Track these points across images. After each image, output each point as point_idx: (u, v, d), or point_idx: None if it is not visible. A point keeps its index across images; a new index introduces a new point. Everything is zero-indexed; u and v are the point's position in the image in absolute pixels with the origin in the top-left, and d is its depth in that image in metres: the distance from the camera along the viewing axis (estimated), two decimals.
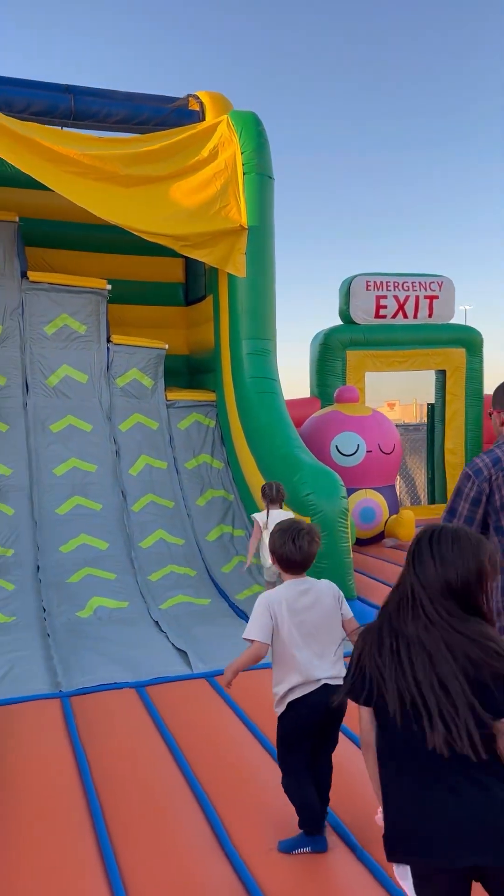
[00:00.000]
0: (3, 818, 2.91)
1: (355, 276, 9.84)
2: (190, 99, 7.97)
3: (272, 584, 5.38)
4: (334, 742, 2.76)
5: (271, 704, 2.74)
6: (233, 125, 7.34)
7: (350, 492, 7.36)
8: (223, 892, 2.45)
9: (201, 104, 7.85)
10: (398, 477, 10.44)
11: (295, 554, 2.68)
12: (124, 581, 6.24)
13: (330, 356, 9.68)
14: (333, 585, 2.79)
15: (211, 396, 8.20)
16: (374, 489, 8.40)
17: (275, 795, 2.85)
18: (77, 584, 6.08)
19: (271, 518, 5.35)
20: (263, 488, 5.70)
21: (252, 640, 2.62)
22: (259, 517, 5.56)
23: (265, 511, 5.55)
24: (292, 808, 2.71)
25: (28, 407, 7.44)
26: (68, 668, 4.54)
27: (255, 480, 7.09)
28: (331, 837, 2.71)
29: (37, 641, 5.06)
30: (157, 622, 5.55)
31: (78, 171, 6.83)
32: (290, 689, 2.62)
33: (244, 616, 5.76)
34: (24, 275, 7.53)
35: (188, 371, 9.16)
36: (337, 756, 2.78)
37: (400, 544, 8.27)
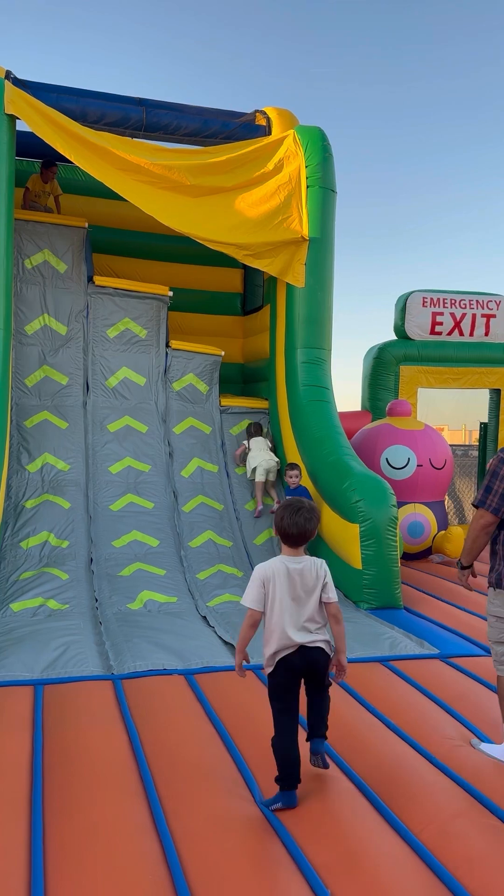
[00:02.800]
0: (63, 786, 3.03)
1: (412, 293, 9.89)
2: (257, 114, 8.20)
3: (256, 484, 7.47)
4: (323, 685, 3.09)
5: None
6: (299, 140, 7.52)
7: (399, 505, 7.36)
8: (268, 861, 2.52)
9: (268, 119, 8.07)
10: (447, 496, 10.36)
11: (292, 528, 2.96)
12: (174, 577, 6.37)
13: (383, 370, 9.72)
14: (324, 564, 3.07)
15: (264, 404, 8.32)
16: (424, 504, 8.37)
17: (310, 772, 3.09)
18: (128, 578, 6.23)
19: (252, 443, 7.62)
20: (247, 427, 7.85)
21: (248, 607, 2.99)
22: (245, 442, 7.72)
23: (248, 440, 7.70)
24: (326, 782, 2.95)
25: (87, 406, 7.68)
26: (120, 654, 4.66)
27: (306, 484, 7.17)
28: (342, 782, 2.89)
29: (89, 628, 5.21)
30: (204, 617, 5.64)
31: (147, 180, 7.09)
32: (276, 651, 2.97)
33: None
34: (90, 279, 7.82)
35: (242, 379, 9.31)
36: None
37: (447, 560, 8.21)
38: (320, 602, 3.01)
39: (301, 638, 2.96)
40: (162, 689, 4.11)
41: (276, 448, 7.99)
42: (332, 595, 3.04)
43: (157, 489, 7.34)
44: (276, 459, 7.54)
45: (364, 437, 8.61)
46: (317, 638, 3.00)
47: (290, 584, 2.96)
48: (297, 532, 2.97)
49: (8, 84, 6.81)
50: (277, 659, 2.97)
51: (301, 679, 3.03)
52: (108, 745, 3.40)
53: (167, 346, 8.05)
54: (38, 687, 4.10)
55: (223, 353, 8.27)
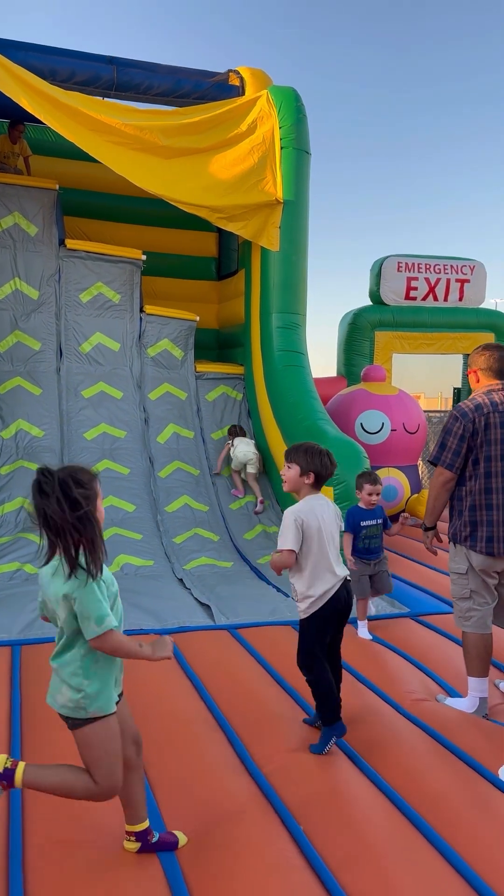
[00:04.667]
0: (39, 734, 3.10)
1: (387, 258, 9.88)
2: (231, 74, 8.04)
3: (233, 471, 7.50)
4: (339, 642, 3.21)
5: (289, 654, 3.16)
6: (272, 100, 7.42)
7: (373, 469, 7.45)
8: (245, 801, 2.62)
9: (242, 79, 7.93)
10: (420, 461, 10.50)
11: (333, 468, 3.15)
12: (150, 542, 6.42)
13: (358, 336, 9.75)
14: (334, 504, 3.29)
15: (239, 370, 8.33)
16: (398, 468, 8.48)
17: (290, 722, 3.27)
18: (105, 542, 6.25)
19: (236, 441, 7.48)
20: (230, 429, 7.74)
21: (285, 550, 3.01)
22: (229, 442, 7.57)
23: (232, 440, 7.55)
24: (302, 731, 3.09)
25: (61, 372, 7.62)
26: None
27: (281, 451, 7.21)
28: (337, 756, 2.93)
29: None
30: (181, 580, 5.72)
31: (119, 141, 6.96)
32: (327, 589, 3.04)
33: (265, 579, 5.92)
34: (61, 242, 7.70)
35: (218, 345, 9.29)
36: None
37: (419, 522, 8.35)
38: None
39: (342, 571, 3.12)
40: None
41: (252, 413, 8.02)
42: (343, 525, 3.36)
43: (133, 455, 7.34)
44: (256, 452, 7.47)
45: (339, 403, 8.67)
46: (345, 572, 3.15)
47: (323, 524, 3.07)
48: (331, 473, 3.16)
49: None
50: (327, 599, 3.03)
51: (341, 615, 3.12)
52: None
53: (141, 311, 8.00)
54: (15, 647, 4.15)
55: (198, 318, 8.23)
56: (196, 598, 5.22)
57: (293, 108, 7.38)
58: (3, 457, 6.84)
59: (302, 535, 3.01)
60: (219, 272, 9.49)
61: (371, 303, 10.05)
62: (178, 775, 2.82)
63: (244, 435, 7.71)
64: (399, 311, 9.86)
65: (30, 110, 6.59)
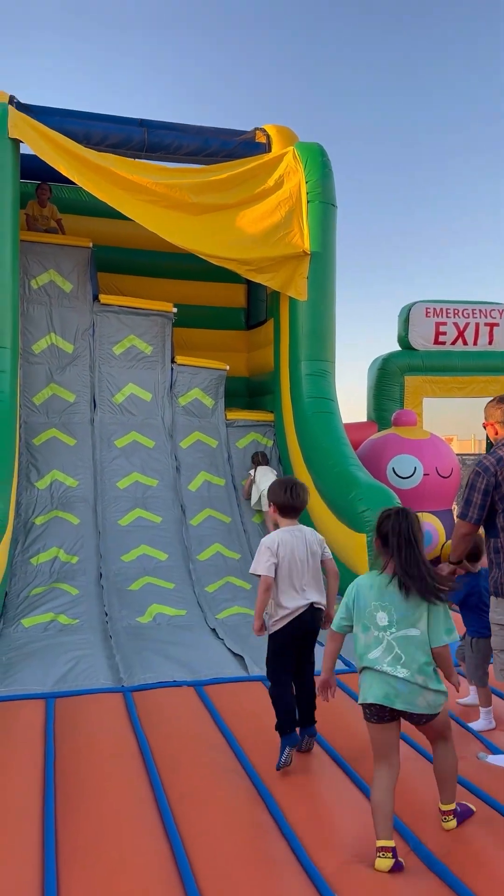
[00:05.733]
0: (74, 793, 3.06)
1: (415, 304, 9.95)
2: (257, 132, 8.33)
3: (260, 511, 7.51)
4: (312, 660, 3.44)
5: (324, 707, 3.27)
6: (298, 156, 7.64)
7: None
8: (280, 860, 2.54)
9: (268, 136, 8.20)
10: (455, 504, 10.36)
11: (295, 500, 3.38)
12: (183, 591, 6.40)
13: (388, 381, 9.77)
14: (317, 532, 3.49)
15: (269, 417, 8.39)
16: (432, 512, 8.37)
17: (320, 774, 3.25)
18: (137, 592, 6.26)
19: (258, 472, 7.53)
20: (252, 456, 7.82)
21: (259, 575, 3.26)
22: (251, 471, 7.65)
23: (255, 468, 7.63)
24: (333, 784, 3.12)
25: (95, 423, 7.76)
26: (130, 667, 4.69)
27: (312, 498, 7.19)
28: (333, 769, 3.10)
29: (99, 642, 5.24)
30: (213, 630, 5.67)
31: (150, 200, 7.22)
32: (288, 612, 3.27)
33: None
34: (95, 298, 7.93)
35: (248, 393, 9.39)
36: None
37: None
38: (319, 564, 3.41)
39: (308, 598, 3.31)
40: (171, 700, 4.14)
41: (283, 459, 8.04)
42: (330, 553, 3.47)
43: (165, 503, 7.39)
44: None
45: (370, 448, 8.64)
46: (319, 598, 3.37)
47: (295, 550, 3.31)
48: (300, 503, 3.40)
49: (12, 109, 6.97)
50: (289, 620, 3.27)
51: (304, 638, 3.37)
52: (118, 753, 3.43)
53: (172, 361, 8.14)
54: (49, 700, 4.13)
55: (228, 367, 8.35)
56: (229, 649, 5.16)
57: (319, 163, 7.59)
58: (38, 507, 6.94)
59: (276, 560, 3.25)
60: (248, 322, 9.65)
61: (400, 348, 10.09)
62: (209, 829, 2.76)
63: (267, 463, 7.78)
64: (428, 355, 9.89)
65: (65, 173, 6.90)
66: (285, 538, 3.34)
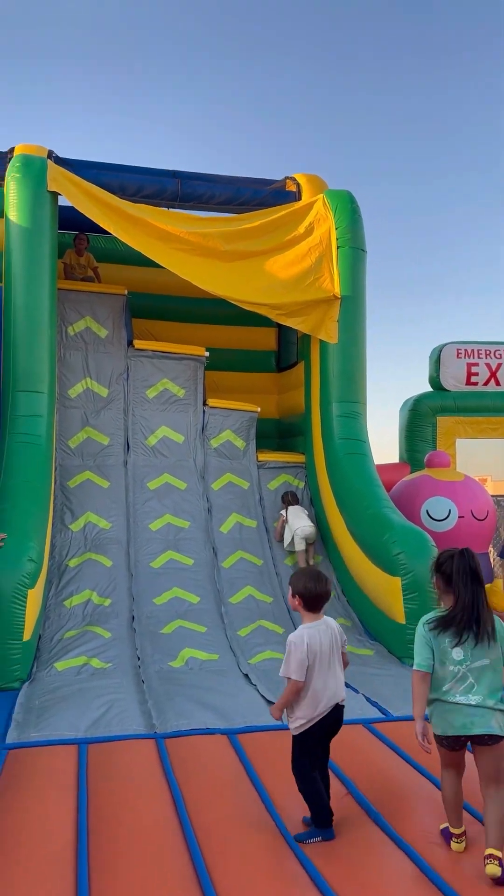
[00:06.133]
0: (107, 844, 3.02)
1: (445, 345, 9.97)
2: (287, 180, 8.54)
3: (293, 552, 7.49)
4: (328, 752, 3.30)
5: (360, 758, 3.29)
6: (328, 203, 7.80)
7: None
8: None
9: (298, 185, 8.40)
10: (491, 548, 10.18)
11: (323, 594, 3.22)
12: (215, 634, 6.35)
13: (420, 422, 9.74)
14: (335, 621, 3.34)
15: (300, 458, 8.39)
16: None
17: (355, 827, 3.18)
18: (170, 636, 6.24)
19: (290, 512, 7.52)
20: (283, 496, 7.82)
21: (290, 678, 3.10)
22: (283, 512, 7.62)
23: (286, 509, 7.60)
24: (374, 840, 2.98)
25: (128, 465, 7.85)
26: (162, 712, 4.65)
27: (345, 541, 7.15)
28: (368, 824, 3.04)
29: (132, 687, 5.21)
30: (246, 675, 5.60)
31: (183, 248, 7.41)
32: (316, 714, 3.12)
33: None
34: (130, 343, 8.10)
35: (279, 434, 9.42)
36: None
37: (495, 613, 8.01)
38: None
39: (335, 698, 3.18)
40: (205, 748, 4.08)
41: (314, 500, 8.01)
42: (346, 644, 3.34)
43: (197, 545, 7.39)
44: (313, 525, 7.51)
45: (403, 490, 8.57)
46: (343, 694, 3.24)
47: (324, 646, 3.17)
48: (326, 595, 3.24)
49: (50, 163, 7.26)
50: (316, 721, 3.14)
51: (328, 735, 3.24)
52: (152, 804, 3.38)
53: (204, 404, 8.24)
54: (82, 745, 4.11)
55: (259, 409, 8.42)
56: (262, 695, 5.09)
57: (348, 210, 7.73)
58: (72, 549, 6.99)
59: (308, 662, 3.11)
60: (278, 364, 9.74)
61: (431, 389, 10.07)
62: (242, 881, 2.69)
63: (298, 502, 7.74)
64: (461, 396, 9.85)
65: (101, 224, 7.14)
66: (314, 636, 3.17)
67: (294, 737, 3.21)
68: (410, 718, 4.56)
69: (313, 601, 3.21)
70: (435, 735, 2.94)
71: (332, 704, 3.15)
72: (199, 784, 3.60)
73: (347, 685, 5.40)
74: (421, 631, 2.96)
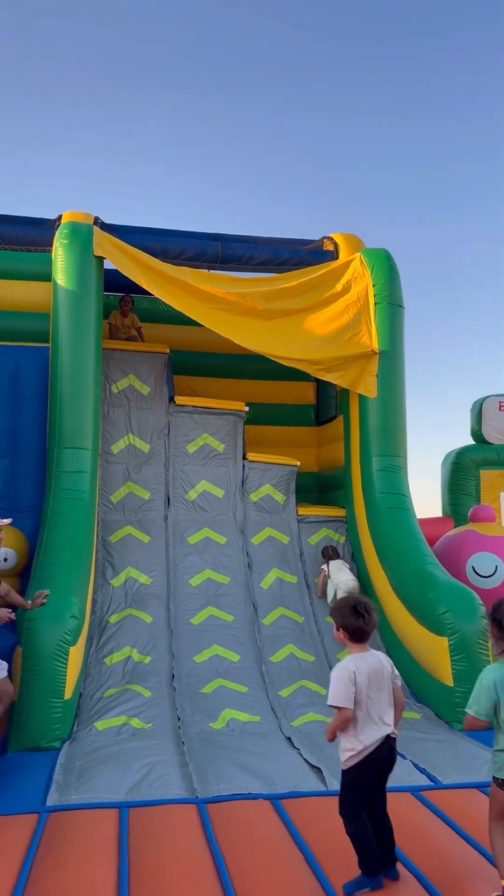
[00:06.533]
0: None
1: (487, 398, 9.89)
2: (325, 241, 8.73)
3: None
4: (385, 792, 3.21)
5: (408, 827, 3.22)
6: (365, 262, 7.94)
7: None
8: None
9: (335, 244, 8.58)
10: None
11: (366, 625, 3.16)
12: (256, 695, 6.22)
13: (463, 475, 9.60)
14: (387, 657, 3.29)
15: (341, 512, 8.33)
16: None
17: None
18: (210, 695, 6.13)
19: (332, 567, 7.43)
20: (323, 550, 7.77)
21: (339, 707, 3.06)
22: (324, 567, 7.54)
23: (327, 563, 7.55)
24: None
25: (168, 519, 7.89)
26: (203, 776, 4.54)
27: (388, 598, 7.01)
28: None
29: (172, 748, 5.11)
30: (289, 738, 5.45)
31: (224, 308, 7.59)
32: (365, 747, 3.06)
33: None
34: (171, 399, 8.25)
35: (318, 488, 9.39)
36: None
37: None
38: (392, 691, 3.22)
39: (384, 730, 3.12)
40: (247, 813, 3.96)
41: (356, 556, 7.91)
42: (400, 681, 3.30)
43: (237, 601, 7.33)
44: (356, 580, 7.39)
45: (447, 545, 8.41)
46: (392, 728, 3.17)
47: (372, 677, 3.12)
48: (372, 626, 3.19)
49: (96, 229, 7.58)
50: (367, 754, 3.07)
51: (381, 772, 3.18)
52: (194, 872, 3.28)
53: (244, 458, 8.28)
54: (122, 809, 4.03)
55: (298, 463, 8.43)
56: (306, 760, 4.94)
57: (386, 268, 7.85)
58: (113, 605, 6.99)
59: (355, 689, 3.07)
60: (317, 418, 9.78)
61: (474, 442, 9.96)
62: None
63: (338, 557, 7.66)
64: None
65: (144, 286, 7.37)
66: (360, 665, 3.14)
67: (343, 772, 3.14)
68: (460, 786, 4.40)
69: (357, 633, 3.18)
70: (495, 777, 3.02)
71: (382, 736, 3.09)
72: (243, 850, 3.49)
73: None
74: (487, 681, 2.98)
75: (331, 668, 6.76)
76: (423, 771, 4.72)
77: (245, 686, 6.32)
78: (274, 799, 4.18)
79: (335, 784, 4.45)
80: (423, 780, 4.55)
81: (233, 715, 5.81)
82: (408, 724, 5.72)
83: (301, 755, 5.04)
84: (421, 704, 6.32)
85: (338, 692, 3.08)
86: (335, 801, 4.15)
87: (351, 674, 3.09)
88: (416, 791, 4.29)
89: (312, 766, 4.81)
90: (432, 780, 4.55)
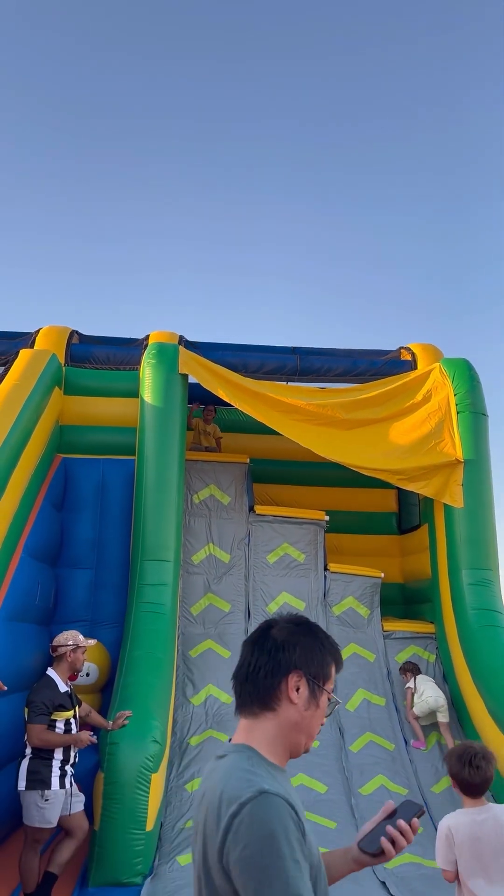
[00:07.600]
0: None
1: None
2: (402, 351, 8.83)
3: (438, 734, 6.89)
4: None
5: None
6: (445, 371, 7.94)
7: None
8: None
9: (413, 355, 8.66)
10: None
11: (475, 776, 2.82)
12: (346, 831, 5.77)
13: None
14: None
15: (430, 628, 7.94)
16: None
17: None
18: None
19: (419, 680, 7.09)
20: (403, 665, 7.40)
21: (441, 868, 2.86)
22: (409, 684, 7.14)
23: (413, 679, 7.14)
24: None
25: (249, 633, 7.68)
26: None
27: (485, 723, 6.52)
28: None
29: None
30: (383, 882, 4.99)
31: (304, 419, 7.69)
32: None
33: None
34: (251, 509, 8.26)
35: (403, 600, 9.04)
36: None
37: None
38: None
39: None
40: None
41: (448, 676, 7.45)
42: None
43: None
44: (443, 695, 6.95)
45: None
46: None
47: (482, 837, 2.76)
48: (481, 780, 2.85)
49: (181, 348, 7.92)
50: None
51: None
52: None
53: (325, 569, 8.10)
54: None
55: (383, 574, 8.17)
56: None
57: (466, 377, 7.83)
58: (193, 726, 6.76)
59: (451, 851, 2.82)
60: (400, 526, 9.56)
61: None
62: None
63: (420, 672, 7.34)
64: None
65: (226, 400, 7.58)
66: (462, 823, 2.84)
67: None
68: None
69: (466, 786, 2.87)
70: None
71: None
72: None
73: None
74: None
75: (426, 804, 6.32)
76: None
77: (335, 822, 5.89)
78: None
79: None
80: None
81: (323, 852, 5.38)
82: None
83: None
84: None
85: (438, 850, 2.88)
86: None
87: (448, 831, 2.83)
88: None
89: None
90: None
